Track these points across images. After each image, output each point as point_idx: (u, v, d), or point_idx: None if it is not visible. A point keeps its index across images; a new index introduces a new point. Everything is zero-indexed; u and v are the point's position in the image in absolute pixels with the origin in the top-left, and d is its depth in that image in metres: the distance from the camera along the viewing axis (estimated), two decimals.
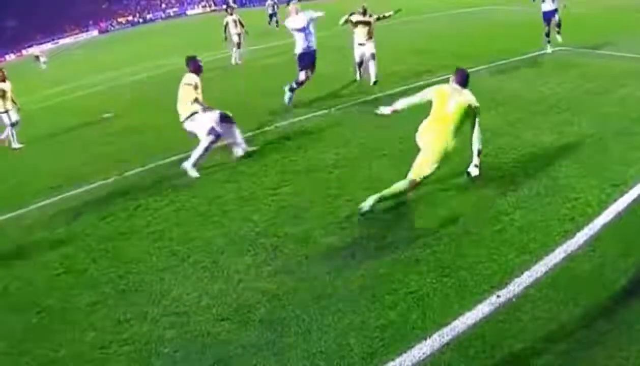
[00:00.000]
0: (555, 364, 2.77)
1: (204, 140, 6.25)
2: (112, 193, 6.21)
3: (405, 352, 2.96)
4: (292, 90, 8.81)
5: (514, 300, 3.28)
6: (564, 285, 3.35)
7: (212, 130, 6.26)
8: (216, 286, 3.92)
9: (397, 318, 3.26)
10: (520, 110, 6.97)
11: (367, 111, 8.10)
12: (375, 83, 9.20)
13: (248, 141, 6.88)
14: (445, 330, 3.09)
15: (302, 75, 8.64)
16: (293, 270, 3.98)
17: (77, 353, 3.41)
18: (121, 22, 67.60)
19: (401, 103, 5.00)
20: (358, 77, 10.06)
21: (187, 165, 6.25)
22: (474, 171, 5.00)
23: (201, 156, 6.26)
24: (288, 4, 8.80)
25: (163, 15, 68.74)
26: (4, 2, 57.25)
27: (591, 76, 8.23)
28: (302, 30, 8.38)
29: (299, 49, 8.56)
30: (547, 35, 10.58)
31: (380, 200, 4.53)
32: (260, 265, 4.11)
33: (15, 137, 9.85)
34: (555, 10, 10.49)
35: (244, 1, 56.64)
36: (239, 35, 15.49)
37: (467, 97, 4.75)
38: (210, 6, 67.40)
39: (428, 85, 5.08)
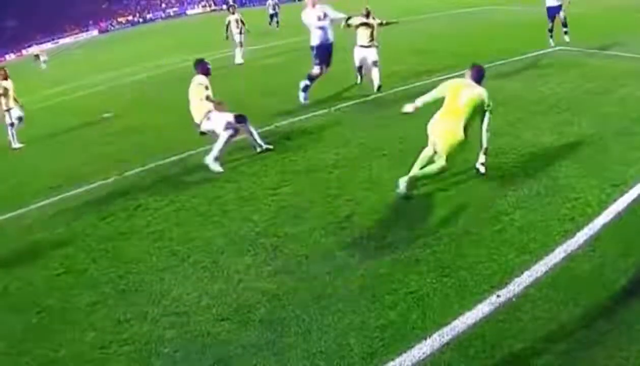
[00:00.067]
0: (555, 364, 2.77)
1: (223, 135, 6.30)
2: (112, 193, 6.21)
3: (405, 352, 2.96)
4: (305, 88, 8.68)
5: (514, 300, 3.28)
6: (564, 285, 3.35)
7: (229, 124, 6.34)
8: (216, 286, 3.92)
9: (397, 318, 3.26)
10: (520, 110, 6.96)
11: (367, 111, 8.12)
12: (379, 88, 8.96)
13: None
14: (445, 330, 3.08)
15: (316, 70, 8.47)
16: (293, 270, 3.98)
17: (77, 353, 3.40)
18: (121, 22, 67.67)
19: (421, 100, 5.05)
20: (359, 81, 9.88)
21: (209, 160, 6.29)
22: (481, 168, 5.06)
23: (221, 150, 6.31)
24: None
25: (163, 15, 68.81)
26: (4, 2, 57.29)
27: (591, 76, 8.22)
28: (318, 22, 8.23)
29: (315, 41, 8.38)
30: (551, 30, 10.57)
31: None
32: (260, 265, 4.11)
33: (15, 137, 9.86)
34: (560, 7, 10.46)
35: (243, 1, 56.64)
36: (240, 34, 15.51)
37: (480, 93, 4.81)
38: (210, 6, 67.47)
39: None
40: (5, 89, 9.71)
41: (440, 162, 4.72)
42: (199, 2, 70.19)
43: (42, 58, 31.60)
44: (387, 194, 4.95)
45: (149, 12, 70.24)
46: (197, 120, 6.50)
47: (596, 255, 3.62)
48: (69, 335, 3.61)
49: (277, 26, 24.83)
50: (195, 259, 4.36)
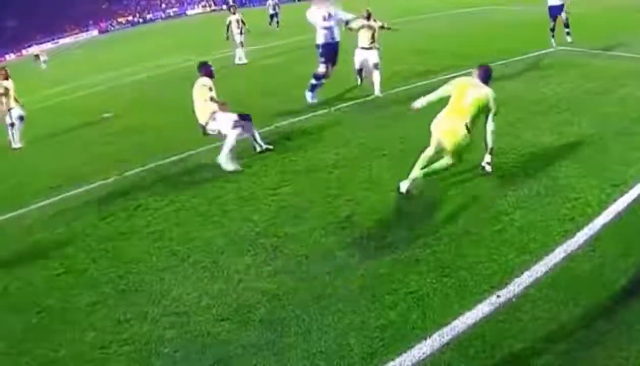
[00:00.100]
0: (555, 364, 2.77)
1: (231, 134, 6.28)
2: (112, 193, 6.21)
3: (405, 352, 2.96)
4: (312, 88, 8.63)
5: (514, 300, 3.28)
6: (564, 285, 3.35)
7: (236, 123, 6.33)
8: (216, 286, 3.92)
9: (397, 318, 3.26)
10: (521, 110, 6.96)
11: (367, 111, 8.11)
12: (379, 94, 8.84)
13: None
14: (445, 330, 3.08)
15: (322, 68, 8.42)
16: (293, 270, 3.98)
17: (77, 353, 3.41)
18: (121, 22, 67.66)
19: (427, 98, 5.07)
20: (359, 83, 9.80)
21: (221, 159, 6.27)
22: (487, 167, 5.07)
23: (231, 150, 6.30)
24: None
25: (163, 15, 68.81)
26: (4, 2, 57.27)
27: (591, 76, 8.22)
28: (323, 22, 8.17)
29: (320, 39, 8.33)
30: (552, 30, 10.56)
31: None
32: (260, 265, 4.11)
33: (18, 136, 9.86)
34: (562, 7, 10.45)
35: (244, 1, 56.63)
36: (241, 34, 15.52)
37: (487, 93, 4.82)
38: (210, 6, 67.46)
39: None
40: (6, 89, 9.71)
41: (447, 159, 4.75)
42: (199, 2, 70.20)
43: (42, 58, 31.59)
44: (387, 194, 4.96)
45: (149, 13, 70.23)
46: (202, 121, 6.49)
47: (596, 255, 3.62)
48: (69, 335, 3.61)
49: (277, 26, 24.83)
50: (195, 259, 4.36)
